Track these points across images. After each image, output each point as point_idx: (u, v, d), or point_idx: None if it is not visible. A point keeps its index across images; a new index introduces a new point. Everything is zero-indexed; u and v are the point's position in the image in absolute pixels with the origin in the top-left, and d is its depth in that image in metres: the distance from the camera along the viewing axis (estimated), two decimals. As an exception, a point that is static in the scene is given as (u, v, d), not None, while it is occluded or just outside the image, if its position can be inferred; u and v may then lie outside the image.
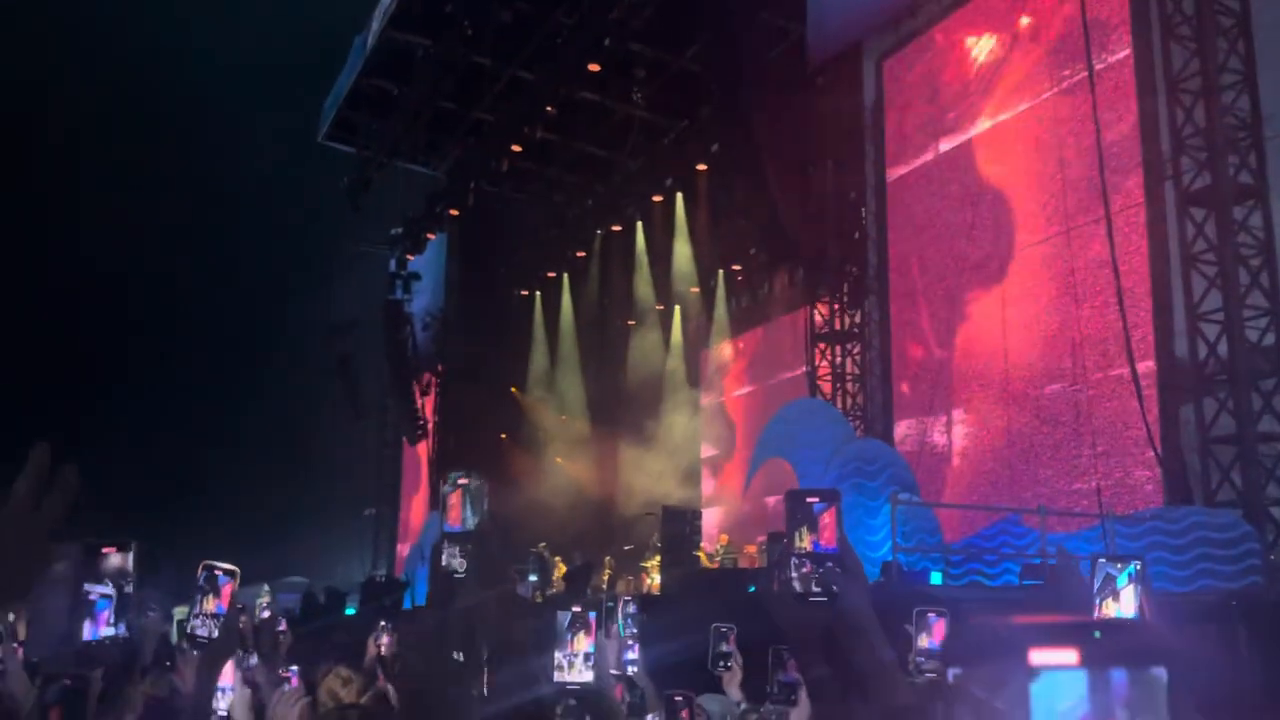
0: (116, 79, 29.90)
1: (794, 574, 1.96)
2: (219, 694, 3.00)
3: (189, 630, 2.47)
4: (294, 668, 4.31)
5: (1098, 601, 2.17)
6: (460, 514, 2.43)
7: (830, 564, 1.95)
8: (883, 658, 1.97)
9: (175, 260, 30.49)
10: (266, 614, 6.27)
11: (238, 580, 2.51)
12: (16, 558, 1.47)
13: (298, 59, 27.38)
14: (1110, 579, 2.15)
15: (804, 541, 1.98)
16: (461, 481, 2.46)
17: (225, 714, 3.01)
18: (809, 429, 14.33)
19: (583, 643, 2.49)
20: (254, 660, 4.98)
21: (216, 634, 2.45)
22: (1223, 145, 10.93)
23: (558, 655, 2.48)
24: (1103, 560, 2.19)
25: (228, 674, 3.02)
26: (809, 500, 2.00)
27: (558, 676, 2.48)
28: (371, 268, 28.08)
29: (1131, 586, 2.14)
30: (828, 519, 2.00)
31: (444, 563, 2.37)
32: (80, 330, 29.68)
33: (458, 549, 2.38)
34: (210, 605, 2.46)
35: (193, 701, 2.39)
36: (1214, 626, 7.94)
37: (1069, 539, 11.09)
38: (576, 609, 2.54)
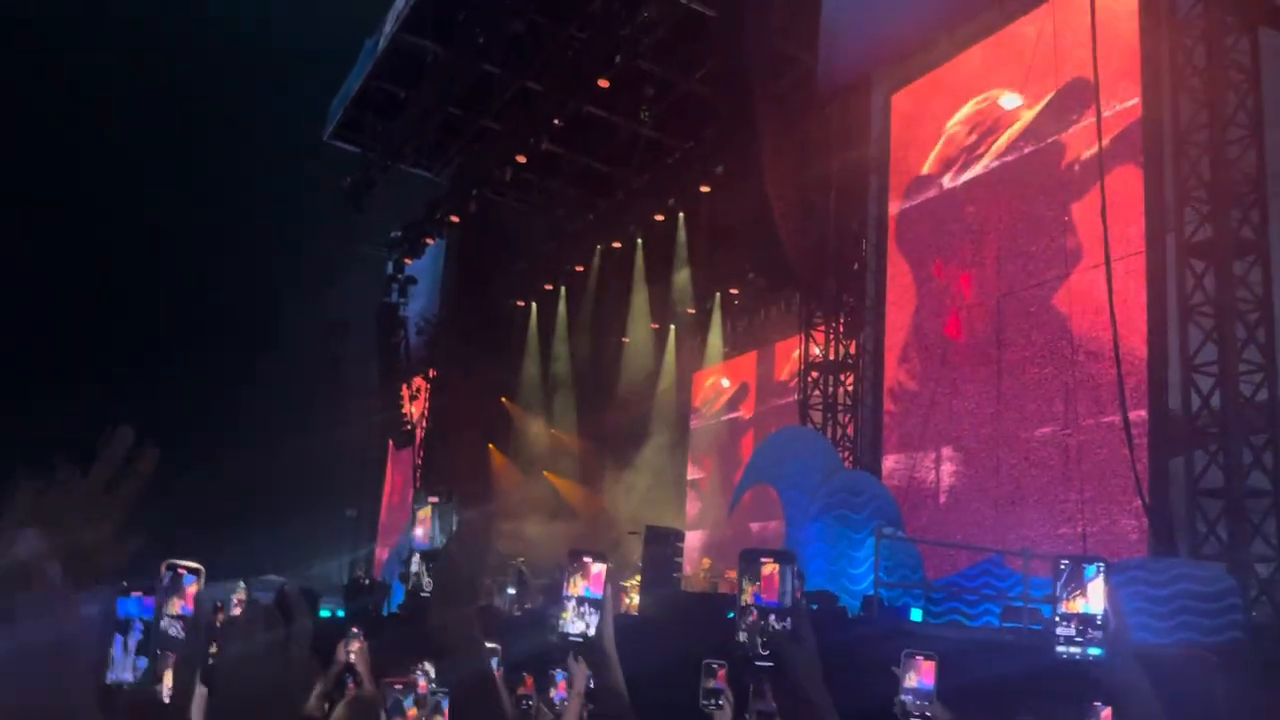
0: (122, 60, 29.86)
1: (742, 625, 1.97)
2: None
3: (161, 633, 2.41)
4: None
5: (1064, 596, 2.18)
6: (429, 531, 2.39)
7: (781, 624, 1.95)
8: None
9: (168, 252, 30.38)
10: (238, 610, 6.17)
11: (203, 579, 2.45)
12: (85, 542, 1.46)
13: (308, 57, 27.40)
14: (1078, 572, 2.18)
15: (746, 594, 1.99)
16: (432, 500, 2.41)
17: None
18: (797, 457, 14.27)
19: (578, 585, 2.43)
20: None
21: (184, 635, 2.38)
22: (1227, 199, 10.95)
23: (563, 602, 2.44)
24: (1066, 560, 2.21)
25: None
26: (761, 560, 2.02)
27: (561, 626, 2.43)
28: (368, 269, 28.03)
29: (1099, 580, 2.16)
30: (769, 572, 2.00)
31: (410, 582, 2.32)
32: (66, 321, 29.53)
33: (426, 566, 2.33)
34: (176, 607, 2.40)
35: (172, 704, 2.32)
36: (1195, 680, 7.89)
37: (1050, 583, 11.04)
38: (576, 549, 2.48)
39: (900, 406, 15.21)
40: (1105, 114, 12.26)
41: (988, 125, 14.48)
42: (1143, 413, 11.37)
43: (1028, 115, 13.85)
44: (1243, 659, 8.81)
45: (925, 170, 15.47)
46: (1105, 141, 12.16)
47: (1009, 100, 14.15)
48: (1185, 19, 11.59)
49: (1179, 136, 11.37)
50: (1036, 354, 13.06)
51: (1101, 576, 2.18)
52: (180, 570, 2.46)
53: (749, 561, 2.03)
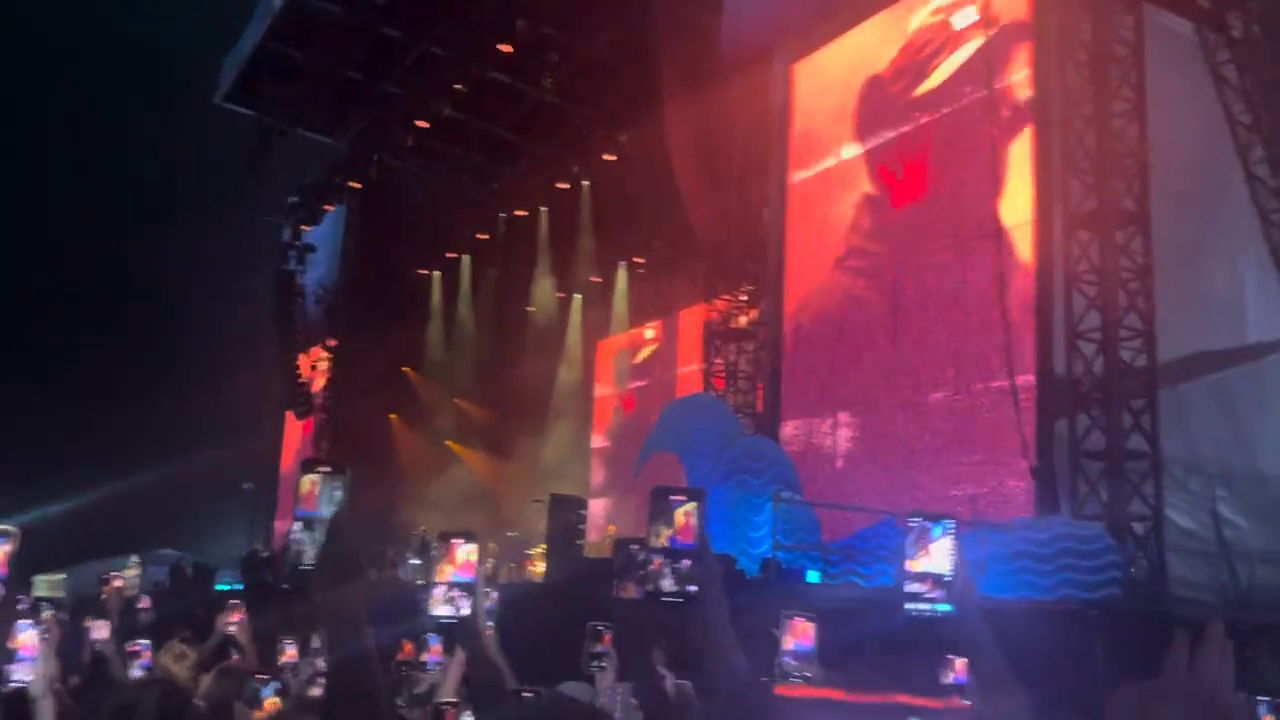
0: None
1: (646, 570, 1.95)
2: (20, 663, 2.80)
3: None
4: (144, 641, 4.15)
5: (909, 555, 2.20)
6: (316, 499, 2.31)
7: (687, 562, 1.94)
8: (734, 659, 1.97)
9: (55, 217, 29.18)
10: (118, 583, 6.05)
11: (16, 541, 2.38)
12: None
13: (200, 15, 26.44)
14: (925, 531, 2.21)
15: (661, 537, 1.98)
16: (322, 470, 2.34)
17: (21, 684, 2.80)
18: (699, 424, 14.39)
19: (446, 571, 2.41)
20: (102, 634, 4.77)
21: None
22: (1110, 171, 11.29)
23: (434, 588, 2.42)
24: (916, 518, 2.24)
25: (30, 643, 2.81)
26: (672, 498, 2.00)
27: (432, 610, 2.41)
28: (265, 236, 27.28)
29: (945, 540, 2.19)
30: (685, 515, 2.00)
31: (292, 551, 2.25)
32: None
33: (308, 535, 2.26)
34: None
35: None
36: (1073, 637, 8.19)
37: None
38: (445, 531, 2.48)
39: (799, 373, 15.28)
40: (999, 86, 12.53)
41: (886, 98, 14.56)
42: (1030, 378, 11.71)
43: (925, 86, 14.00)
44: (1120, 614, 9.18)
45: (824, 141, 15.59)
46: (1000, 113, 12.43)
47: (961, 18, 13.84)
48: (1074, -6, 11.88)
49: (1066, 108, 11.68)
50: (930, 321, 13.35)
51: (948, 535, 2.20)
52: None
53: (663, 502, 2.00)
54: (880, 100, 14.82)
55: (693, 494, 2.01)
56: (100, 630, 4.60)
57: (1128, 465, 10.77)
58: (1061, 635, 8.46)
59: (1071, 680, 8.17)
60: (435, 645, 3.92)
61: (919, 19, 14.45)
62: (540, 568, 15.77)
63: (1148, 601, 10.27)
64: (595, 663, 3.82)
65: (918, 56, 14.36)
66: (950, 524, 2.23)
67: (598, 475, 23.11)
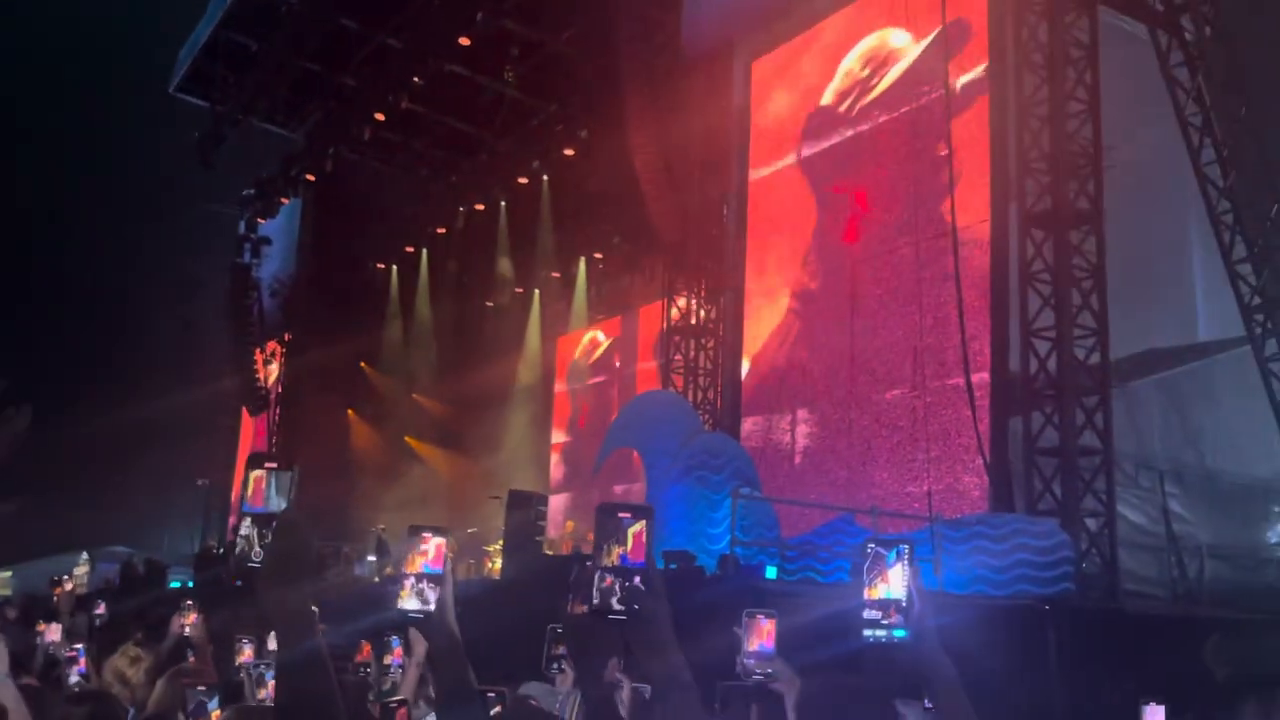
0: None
1: (595, 588, 1.95)
2: None
3: None
4: (79, 646, 4.09)
5: (867, 582, 2.21)
6: (264, 494, 2.26)
7: (636, 580, 1.94)
8: (679, 674, 1.97)
9: (9, 210, 28.61)
10: (69, 585, 5.96)
11: None
12: None
13: (153, 3, 26.02)
14: (880, 558, 2.22)
15: (611, 556, 1.97)
16: (269, 465, 2.29)
17: None
18: (659, 420, 14.37)
19: (416, 562, 2.37)
20: (54, 637, 4.69)
21: None
22: (1065, 171, 11.43)
23: (402, 579, 2.38)
24: (872, 544, 2.24)
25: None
26: (620, 515, 1.99)
27: (399, 603, 2.37)
28: (220, 229, 26.92)
29: (900, 565, 2.20)
30: (636, 532, 1.99)
31: (238, 548, 2.20)
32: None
33: (257, 531, 2.21)
34: None
35: None
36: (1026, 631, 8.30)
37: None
38: (415, 525, 2.44)
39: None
40: (956, 86, 12.63)
41: (879, 60, 14.58)
42: (985, 375, 11.84)
43: (884, 85, 14.11)
44: (1072, 608, 9.31)
45: (783, 139, 15.68)
46: (957, 112, 12.53)
47: (898, 38, 14.09)
48: (1030, -4, 12.00)
49: (1022, 109, 11.80)
50: (888, 318, 13.45)
51: (902, 561, 2.21)
52: None
53: (611, 519, 1.99)
54: (827, 121, 14.99)
55: (641, 512, 2.01)
56: (52, 633, 4.53)
57: (1080, 462, 10.91)
58: (1015, 629, 8.58)
59: (1025, 673, 8.29)
60: (397, 648, 3.88)
61: (856, 54, 14.65)
62: (499, 564, 15.70)
63: (1100, 596, 10.42)
64: (555, 665, 3.81)
65: (859, 77, 14.57)
66: (904, 549, 2.23)
67: (558, 471, 23.08)
